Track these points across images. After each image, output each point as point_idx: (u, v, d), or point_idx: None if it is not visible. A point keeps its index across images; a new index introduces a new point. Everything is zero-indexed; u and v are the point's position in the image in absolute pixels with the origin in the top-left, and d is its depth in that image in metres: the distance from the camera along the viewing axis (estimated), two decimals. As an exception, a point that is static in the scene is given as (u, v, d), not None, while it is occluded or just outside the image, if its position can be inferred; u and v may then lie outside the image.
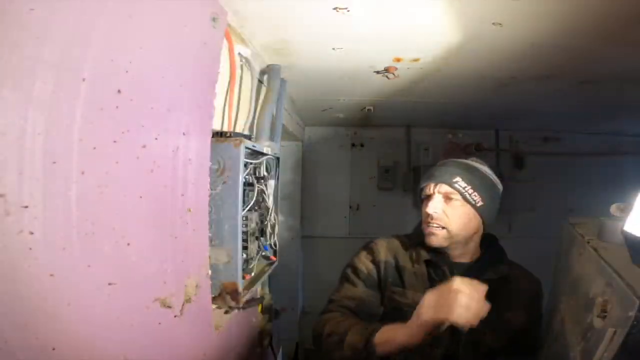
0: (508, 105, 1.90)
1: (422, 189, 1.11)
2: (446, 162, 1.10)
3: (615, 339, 0.61)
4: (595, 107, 1.93)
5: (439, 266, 1.06)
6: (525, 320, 1.05)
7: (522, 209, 2.79)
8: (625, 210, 0.85)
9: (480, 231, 1.10)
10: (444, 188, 1.04)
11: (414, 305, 0.87)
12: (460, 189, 1.02)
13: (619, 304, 0.66)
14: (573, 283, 1.03)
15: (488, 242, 1.14)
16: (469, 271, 1.04)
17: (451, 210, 1.03)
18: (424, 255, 1.08)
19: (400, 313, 0.99)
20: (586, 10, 0.85)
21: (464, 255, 1.10)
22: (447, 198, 1.04)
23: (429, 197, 1.06)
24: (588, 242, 0.96)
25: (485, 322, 0.81)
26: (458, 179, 1.03)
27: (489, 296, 0.81)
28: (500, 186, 1.12)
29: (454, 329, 0.88)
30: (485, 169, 1.10)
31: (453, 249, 1.08)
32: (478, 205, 1.03)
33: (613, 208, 0.92)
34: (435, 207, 1.03)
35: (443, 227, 1.03)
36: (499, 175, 1.14)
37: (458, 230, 1.03)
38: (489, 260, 1.10)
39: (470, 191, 1.02)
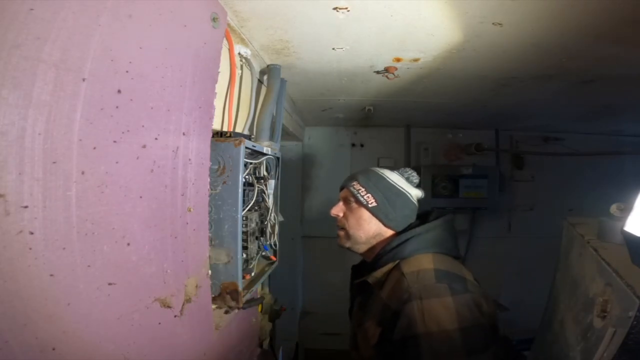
0: (508, 105, 1.90)
1: None
2: (356, 170, 1.15)
3: (615, 339, 0.61)
4: (595, 107, 1.92)
5: (354, 267, 1.19)
6: (378, 334, 0.90)
7: (521, 208, 2.80)
8: (625, 210, 0.85)
9: (383, 231, 1.07)
10: (344, 192, 1.12)
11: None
12: (354, 191, 1.07)
13: (619, 304, 0.66)
14: (573, 283, 1.03)
15: (398, 241, 1.02)
16: (365, 271, 1.07)
17: (348, 212, 1.09)
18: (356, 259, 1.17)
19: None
20: (586, 10, 0.85)
21: (370, 255, 1.10)
22: (346, 201, 1.11)
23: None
24: (588, 242, 0.96)
25: (357, 326, 0.91)
26: (354, 182, 1.08)
27: (362, 300, 0.88)
28: (408, 190, 1.08)
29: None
30: (387, 173, 1.10)
31: (360, 250, 1.10)
32: (370, 206, 1.05)
33: (613, 208, 0.92)
34: (335, 210, 1.12)
35: (342, 228, 1.11)
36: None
37: (354, 231, 1.08)
38: (376, 261, 1.03)
39: (363, 193, 1.06)
